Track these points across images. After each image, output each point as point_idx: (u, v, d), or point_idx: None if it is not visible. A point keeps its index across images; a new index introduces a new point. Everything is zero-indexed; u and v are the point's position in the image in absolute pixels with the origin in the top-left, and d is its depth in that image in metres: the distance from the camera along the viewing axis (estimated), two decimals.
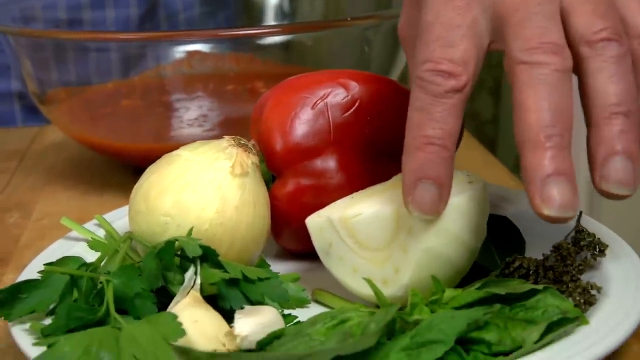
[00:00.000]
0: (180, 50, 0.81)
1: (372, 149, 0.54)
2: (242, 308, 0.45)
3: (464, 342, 0.41)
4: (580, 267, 0.47)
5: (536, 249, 0.50)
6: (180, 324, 0.42)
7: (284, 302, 0.48)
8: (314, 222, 0.49)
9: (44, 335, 0.43)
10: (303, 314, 0.48)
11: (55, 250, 0.53)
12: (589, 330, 0.42)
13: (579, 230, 0.50)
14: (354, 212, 0.48)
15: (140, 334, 0.41)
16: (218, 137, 0.52)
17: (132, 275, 0.46)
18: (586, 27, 0.42)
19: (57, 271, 0.47)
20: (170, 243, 0.46)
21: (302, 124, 0.53)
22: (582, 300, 0.44)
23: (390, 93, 0.56)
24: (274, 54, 0.82)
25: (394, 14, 0.75)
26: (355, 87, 0.54)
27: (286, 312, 0.48)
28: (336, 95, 0.54)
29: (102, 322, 0.44)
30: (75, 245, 0.54)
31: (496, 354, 0.41)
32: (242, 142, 0.51)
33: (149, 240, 0.48)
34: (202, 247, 0.46)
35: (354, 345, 0.39)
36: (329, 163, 0.53)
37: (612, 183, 0.41)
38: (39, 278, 0.46)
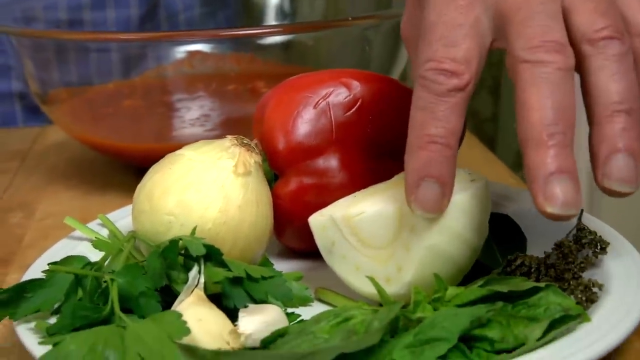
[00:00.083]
0: (181, 51, 0.81)
1: (374, 147, 0.54)
2: (246, 306, 0.46)
3: (467, 339, 0.41)
4: (582, 265, 0.47)
5: (538, 247, 0.50)
6: (185, 322, 0.42)
7: (287, 300, 0.48)
8: (317, 220, 0.49)
9: (49, 334, 0.43)
10: (306, 313, 0.48)
11: (59, 250, 0.53)
12: (591, 328, 0.42)
13: (581, 228, 0.50)
14: (356, 210, 0.48)
15: (145, 333, 0.42)
16: (219, 136, 0.52)
17: (137, 274, 0.46)
18: (588, 26, 0.42)
19: (62, 270, 0.47)
20: (174, 242, 0.46)
21: (305, 123, 0.53)
22: (583, 298, 0.44)
23: (392, 92, 0.56)
24: (274, 54, 0.83)
25: (394, 14, 0.76)
26: (357, 86, 0.55)
27: (289, 310, 0.49)
28: (338, 94, 0.54)
29: (106, 320, 0.44)
30: (78, 244, 0.54)
31: (499, 351, 0.41)
32: (245, 141, 0.51)
33: (152, 239, 0.49)
34: (206, 246, 0.46)
35: (358, 342, 0.39)
36: (331, 162, 0.53)
37: (614, 181, 0.41)
38: (44, 277, 0.47)
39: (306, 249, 0.53)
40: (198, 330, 0.42)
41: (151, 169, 0.51)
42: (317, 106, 0.54)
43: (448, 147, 0.43)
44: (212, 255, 0.47)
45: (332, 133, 0.53)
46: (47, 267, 0.47)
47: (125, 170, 0.80)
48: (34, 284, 0.46)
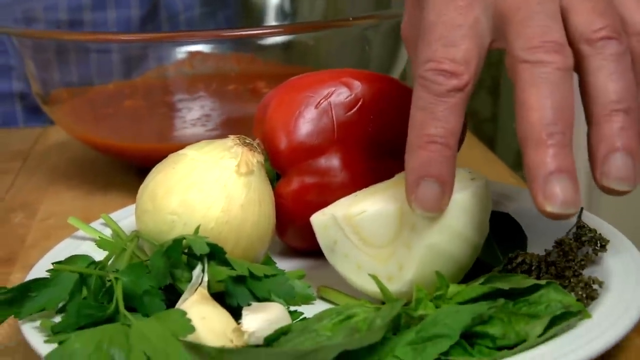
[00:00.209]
0: (182, 51, 0.81)
1: (375, 147, 0.55)
2: (249, 305, 0.46)
3: (469, 336, 0.42)
4: (582, 262, 0.48)
5: (538, 245, 0.50)
6: (189, 320, 0.42)
7: (290, 298, 0.49)
8: (319, 219, 0.50)
9: (54, 332, 0.44)
10: (309, 311, 0.48)
11: (63, 250, 0.54)
12: (592, 324, 0.42)
13: (580, 226, 0.50)
14: (358, 209, 0.48)
15: (150, 331, 0.42)
16: (221, 136, 0.53)
17: (140, 273, 0.46)
18: (586, 26, 0.42)
19: (66, 269, 0.47)
20: (177, 241, 0.46)
21: (306, 123, 0.53)
22: (584, 295, 0.45)
23: (392, 91, 0.56)
24: (275, 54, 0.83)
25: (393, 14, 0.76)
26: (358, 86, 0.55)
27: (292, 308, 0.49)
28: (339, 94, 0.54)
29: (111, 319, 0.44)
30: (82, 244, 0.55)
31: (500, 348, 0.41)
32: (247, 141, 0.52)
33: (156, 238, 0.49)
34: (209, 244, 0.46)
35: (361, 340, 0.40)
36: (332, 161, 0.54)
37: (613, 179, 0.42)
38: (48, 276, 0.47)
39: (308, 248, 0.54)
40: (202, 329, 0.43)
41: (154, 169, 0.52)
42: (318, 106, 0.54)
43: (447, 147, 0.43)
44: (215, 254, 0.47)
45: (333, 133, 0.54)
46: (51, 267, 0.47)
47: (127, 170, 0.80)
48: (38, 283, 0.46)
